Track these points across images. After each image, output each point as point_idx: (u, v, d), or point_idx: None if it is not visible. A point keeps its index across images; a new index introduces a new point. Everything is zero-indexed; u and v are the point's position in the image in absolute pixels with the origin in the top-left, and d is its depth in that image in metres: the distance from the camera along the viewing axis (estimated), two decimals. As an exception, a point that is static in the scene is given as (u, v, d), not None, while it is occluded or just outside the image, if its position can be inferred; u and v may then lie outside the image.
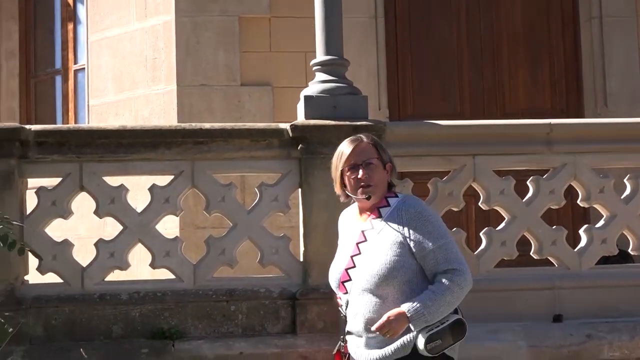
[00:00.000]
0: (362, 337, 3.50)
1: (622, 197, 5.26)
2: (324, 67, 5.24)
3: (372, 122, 5.05)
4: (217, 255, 4.94)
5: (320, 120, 5.00)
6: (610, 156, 5.31)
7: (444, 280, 3.39)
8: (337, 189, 3.64)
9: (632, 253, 5.39)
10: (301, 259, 4.99)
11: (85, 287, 4.84)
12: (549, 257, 5.24)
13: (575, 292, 5.13)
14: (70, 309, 4.77)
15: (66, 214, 4.95)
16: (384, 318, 3.37)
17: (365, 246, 3.51)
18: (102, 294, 4.81)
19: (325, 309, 4.82)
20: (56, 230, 5.12)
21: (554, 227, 5.22)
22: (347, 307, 3.54)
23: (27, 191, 5.03)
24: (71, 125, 8.02)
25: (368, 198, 3.54)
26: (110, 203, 4.92)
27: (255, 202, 5.04)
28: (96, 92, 7.90)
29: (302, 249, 4.99)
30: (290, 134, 4.96)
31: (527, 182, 5.22)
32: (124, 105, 7.67)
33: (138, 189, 5.28)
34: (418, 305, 3.35)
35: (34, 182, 5.11)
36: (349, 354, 3.59)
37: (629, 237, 5.28)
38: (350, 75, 5.38)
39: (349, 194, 3.58)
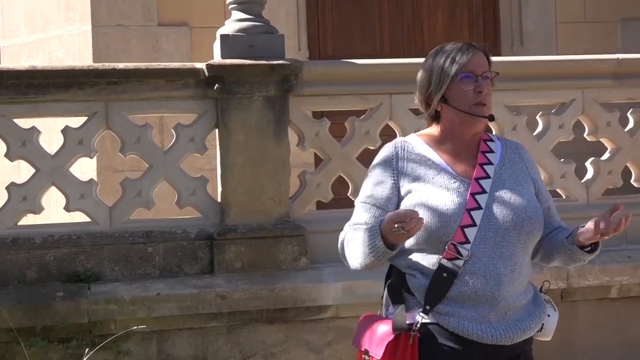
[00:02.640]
0: (490, 304, 2.60)
1: (535, 133, 5.37)
2: (241, 5, 5.15)
3: (289, 61, 5.02)
4: (133, 197, 4.89)
5: (236, 60, 4.94)
6: (523, 94, 5.40)
7: None
8: (422, 107, 2.82)
9: (544, 189, 5.51)
10: (219, 200, 4.97)
11: (-3, 232, 4.75)
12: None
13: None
14: (-18, 253, 4.68)
15: (-24, 157, 4.83)
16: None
17: (489, 183, 2.69)
18: (15, 238, 4.72)
19: (242, 249, 4.84)
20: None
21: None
22: (464, 262, 2.59)
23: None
24: (-22, 66, 7.78)
25: (491, 118, 2.75)
26: (22, 146, 4.81)
27: (172, 143, 4.99)
28: (7, 33, 7.66)
29: (219, 189, 4.97)
30: (207, 74, 4.89)
31: (443, 120, 5.27)
32: (37, 47, 7.45)
33: (53, 133, 5.17)
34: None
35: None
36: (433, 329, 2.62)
37: (540, 173, 5.38)
38: (269, 16, 5.32)
39: (465, 111, 2.70)
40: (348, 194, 5.09)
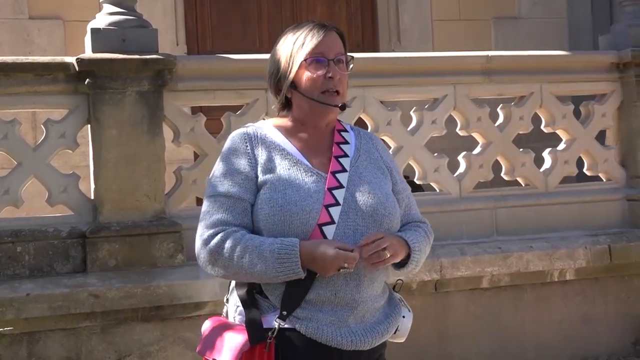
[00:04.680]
0: (350, 308, 2.44)
1: (409, 128, 5.46)
2: (112, -2, 5.06)
3: (162, 56, 4.95)
4: (0, 195, 4.73)
5: (107, 54, 4.84)
6: (398, 89, 5.49)
7: (423, 229, 2.65)
8: (272, 93, 2.63)
9: (417, 182, 5.63)
10: (92, 197, 4.86)
11: None
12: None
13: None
14: None
15: None
16: (379, 234, 2.41)
17: (346, 177, 2.51)
18: None
19: (117, 247, 4.74)
20: None
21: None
22: None
23: None
24: None
25: (342, 107, 2.54)
26: None
27: (42, 139, 4.86)
28: None
29: (92, 186, 4.86)
30: (77, 68, 4.78)
31: (318, 116, 5.30)
32: None
33: None
34: (415, 238, 2.55)
35: None
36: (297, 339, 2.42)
37: (414, 167, 5.50)
38: (146, 10, 5.24)
39: (314, 99, 2.51)
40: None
